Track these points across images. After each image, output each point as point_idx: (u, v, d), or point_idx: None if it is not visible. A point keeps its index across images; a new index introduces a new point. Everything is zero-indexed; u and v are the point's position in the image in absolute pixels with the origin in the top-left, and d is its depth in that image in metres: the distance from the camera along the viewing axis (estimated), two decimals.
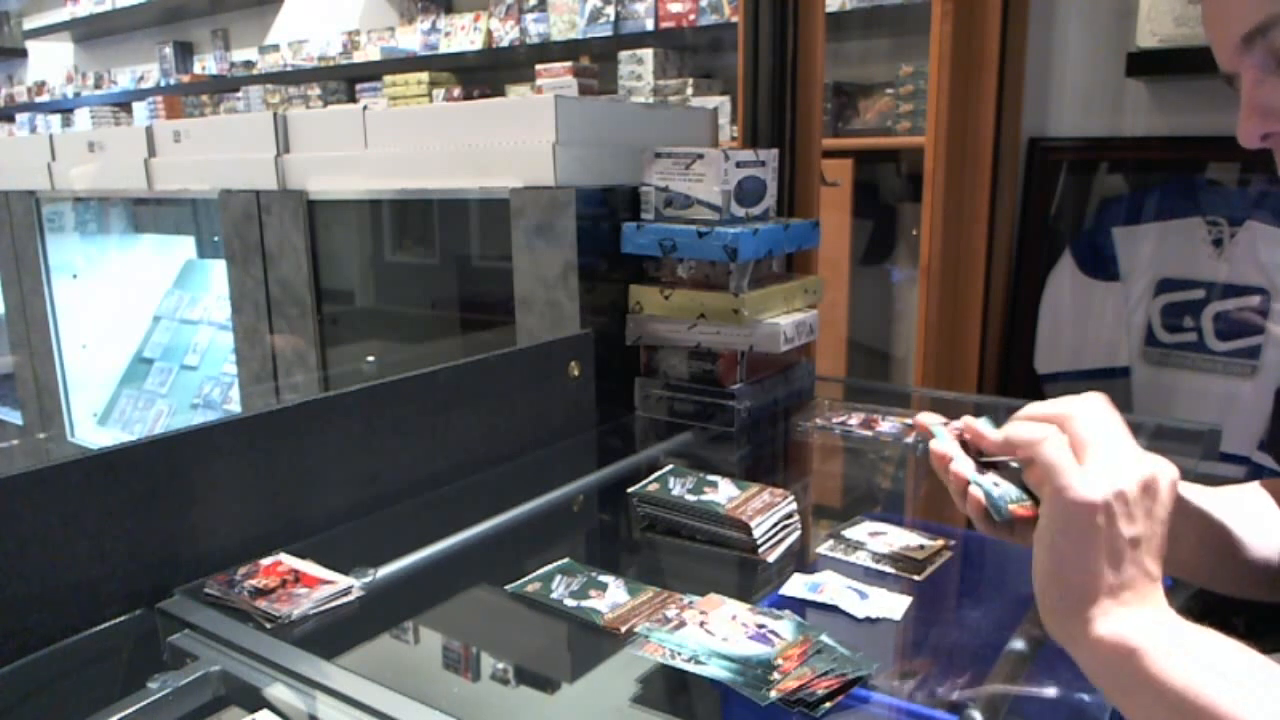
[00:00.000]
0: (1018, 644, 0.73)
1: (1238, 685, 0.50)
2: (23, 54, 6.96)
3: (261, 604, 0.78)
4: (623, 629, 0.77)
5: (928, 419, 0.76)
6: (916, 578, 0.86)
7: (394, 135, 1.55)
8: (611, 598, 0.83)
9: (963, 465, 0.70)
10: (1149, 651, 0.53)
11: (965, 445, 0.73)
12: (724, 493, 0.98)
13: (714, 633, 0.71)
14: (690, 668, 0.67)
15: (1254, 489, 0.83)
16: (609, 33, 3.42)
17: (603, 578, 0.86)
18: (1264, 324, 1.68)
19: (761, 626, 0.72)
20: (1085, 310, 1.90)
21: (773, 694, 0.63)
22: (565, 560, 0.90)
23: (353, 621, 0.80)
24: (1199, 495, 0.78)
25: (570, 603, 0.82)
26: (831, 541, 0.93)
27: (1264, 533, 0.78)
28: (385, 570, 0.87)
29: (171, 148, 1.93)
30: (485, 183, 1.42)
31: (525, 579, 0.86)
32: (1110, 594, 0.56)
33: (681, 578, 0.95)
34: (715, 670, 0.66)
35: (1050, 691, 0.69)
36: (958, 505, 0.70)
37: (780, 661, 0.66)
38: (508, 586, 0.85)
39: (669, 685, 0.70)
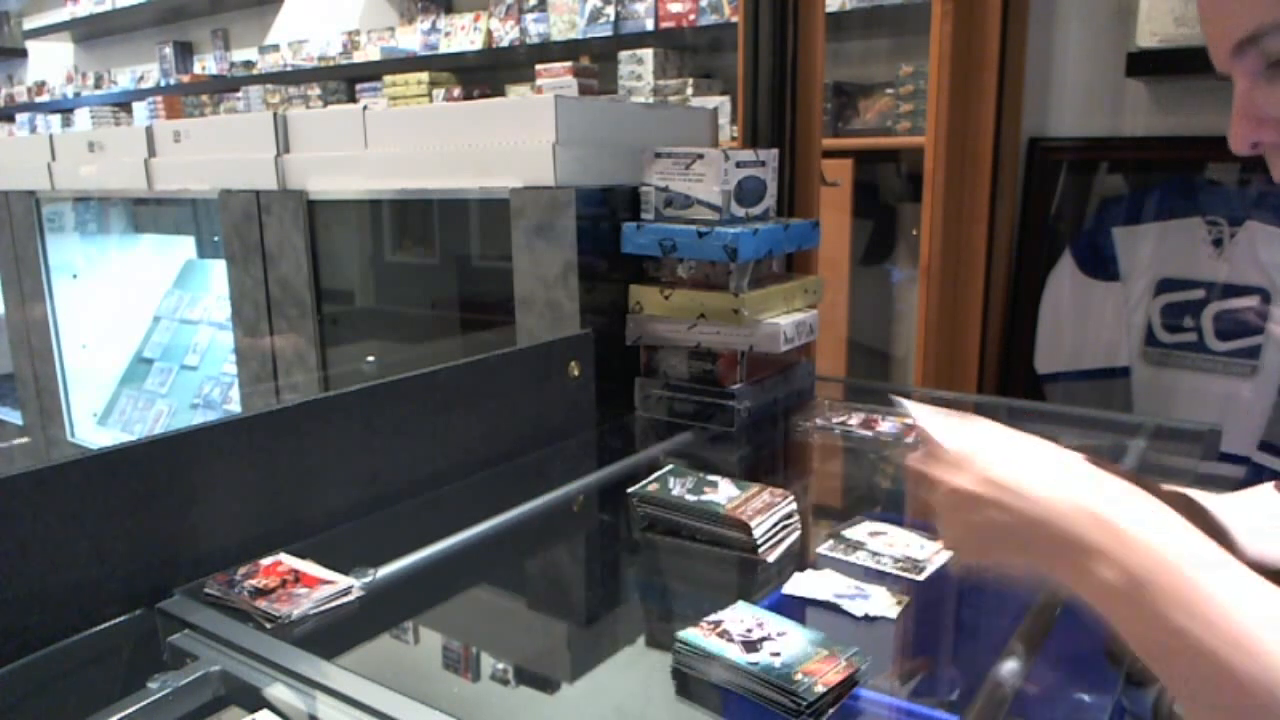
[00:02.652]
0: (1018, 643, 0.73)
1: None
2: (23, 54, 6.95)
3: (261, 604, 0.78)
4: (742, 517, 0.91)
5: None
6: (916, 578, 0.86)
7: (394, 135, 1.55)
8: (725, 492, 0.98)
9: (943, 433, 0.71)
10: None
11: None
12: (724, 493, 0.98)
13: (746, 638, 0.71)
14: (719, 675, 0.67)
15: (1268, 490, 0.81)
16: (609, 33, 3.41)
17: (711, 477, 1.00)
18: (1264, 324, 1.68)
19: (773, 632, 0.72)
20: (1085, 310, 1.89)
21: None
22: (671, 465, 1.06)
23: (353, 621, 0.80)
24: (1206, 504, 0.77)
25: (690, 498, 0.96)
26: (831, 541, 0.93)
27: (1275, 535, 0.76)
28: (385, 570, 0.87)
29: (171, 148, 1.93)
30: (485, 183, 1.42)
31: (644, 482, 1.00)
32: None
33: (681, 578, 0.95)
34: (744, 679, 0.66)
35: (1049, 691, 0.69)
36: None
37: (811, 668, 0.67)
38: (629, 490, 0.99)
39: (669, 685, 0.70)
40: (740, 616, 0.74)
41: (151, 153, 1.96)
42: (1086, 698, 0.67)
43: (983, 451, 0.62)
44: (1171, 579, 0.50)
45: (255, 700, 0.67)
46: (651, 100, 3.24)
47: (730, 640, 0.70)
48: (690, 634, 0.71)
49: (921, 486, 0.65)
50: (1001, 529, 0.58)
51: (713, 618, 0.74)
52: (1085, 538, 0.54)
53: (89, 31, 6.10)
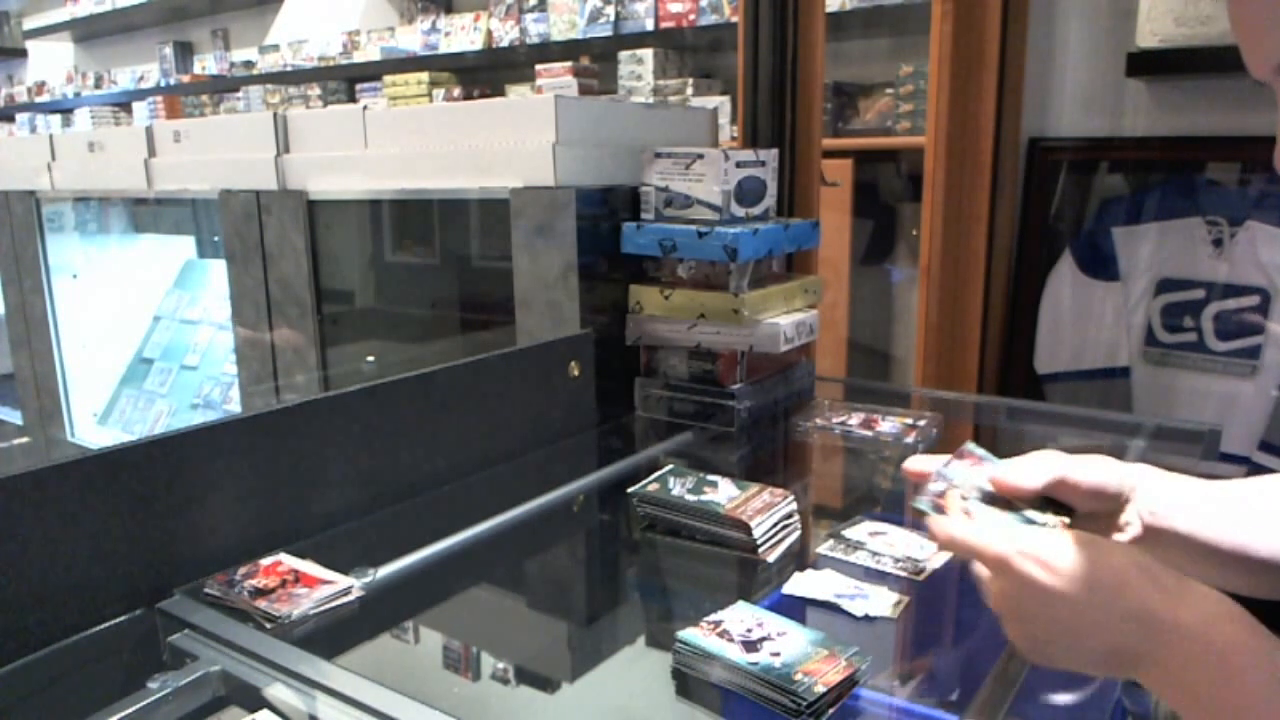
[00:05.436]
0: None
1: None
2: (23, 54, 6.95)
3: (261, 604, 0.78)
4: (742, 517, 0.91)
5: (916, 465, 0.79)
6: (916, 578, 0.86)
7: (394, 135, 1.55)
8: (725, 492, 0.97)
9: (979, 538, 0.71)
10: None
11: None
12: (724, 493, 0.98)
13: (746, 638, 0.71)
14: (719, 675, 0.67)
15: (1274, 481, 0.79)
16: (609, 33, 3.41)
17: (711, 477, 1.00)
18: (1264, 324, 1.68)
19: (773, 631, 0.72)
20: (1085, 310, 1.89)
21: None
22: (671, 465, 1.05)
23: (353, 621, 0.80)
24: (1197, 516, 0.75)
25: (690, 498, 0.95)
26: (831, 541, 0.93)
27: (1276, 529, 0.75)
28: (385, 570, 0.87)
29: (171, 148, 1.93)
30: (485, 183, 1.42)
31: (644, 482, 0.99)
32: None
33: (681, 578, 0.95)
34: (750, 681, 0.66)
35: (1049, 691, 0.69)
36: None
37: (812, 668, 0.66)
38: (629, 490, 0.97)
39: (669, 685, 0.70)
40: (740, 616, 0.74)
41: (151, 153, 1.96)
42: (1086, 698, 0.67)
43: (1050, 556, 0.63)
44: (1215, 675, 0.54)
45: (255, 700, 0.67)
46: (651, 100, 3.24)
47: (730, 640, 0.70)
48: (690, 634, 0.71)
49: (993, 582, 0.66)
50: (1063, 633, 0.61)
51: (713, 618, 0.74)
52: (1134, 649, 0.58)
53: (89, 31, 6.10)
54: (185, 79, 5.44)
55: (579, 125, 1.36)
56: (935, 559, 0.89)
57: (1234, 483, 0.78)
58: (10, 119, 6.81)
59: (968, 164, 1.87)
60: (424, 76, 4.02)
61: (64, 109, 6.37)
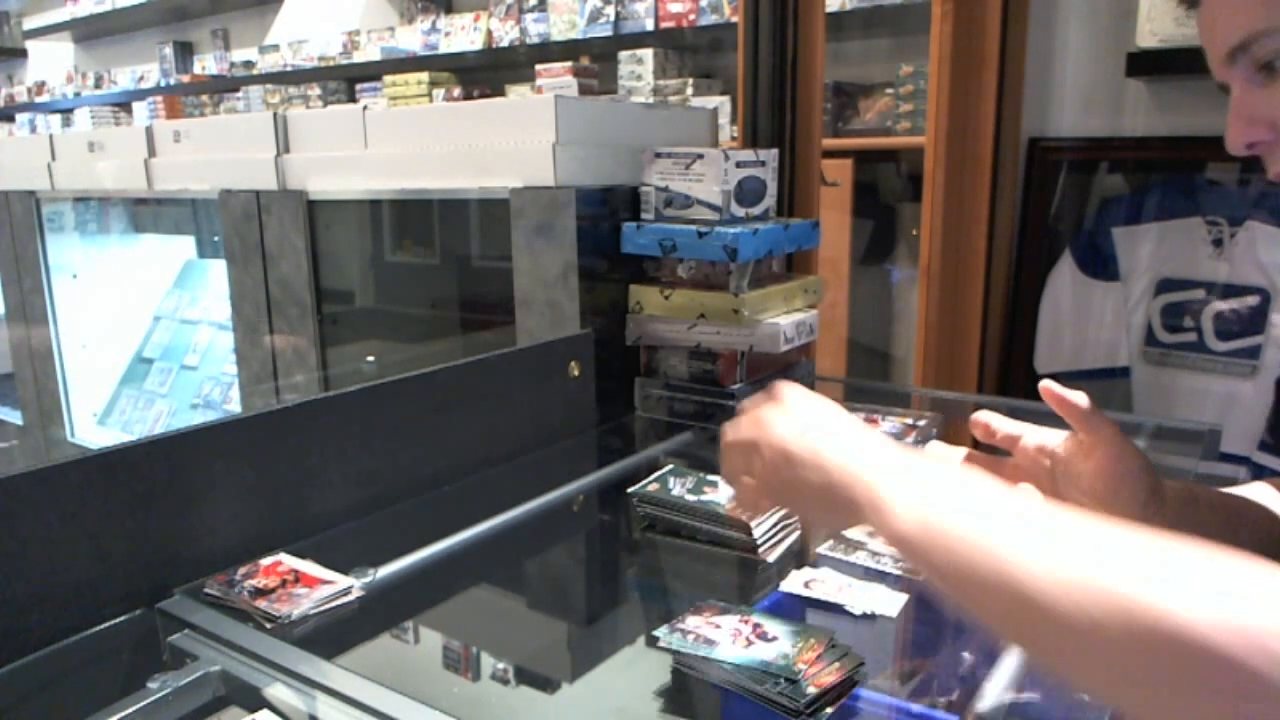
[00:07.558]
0: None
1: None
2: (23, 54, 6.95)
3: (261, 604, 0.78)
4: (742, 517, 0.91)
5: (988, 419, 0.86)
6: (916, 577, 0.86)
7: (394, 135, 1.55)
8: (725, 492, 0.96)
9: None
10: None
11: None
12: (724, 493, 0.98)
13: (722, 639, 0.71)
14: (718, 675, 0.67)
15: (1260, 488, 0.81)
16: (609, 33, 3.41)
17: (711, 477, 1.00)
18: (1264, 324, 1.68)
19: (763, 630, 0.72)
20: (1085, 310, 1.90)
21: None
22: (671, 465, 1.05)
23: (353, 621, 0.80)
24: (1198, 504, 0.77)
25: (690, 498, 0.95)
26: (831, 541, 0.93)
27: (1266, 532, 0.77)
28: (385, 570, 0.87)
29: (171, 148, 1.93)
30: (485, 183, 1.42)
31: (644, 482, 0.99)
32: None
33: (681, 578, 0.95)
34: (740, 678, 0.66)
35: (1051, 691, 0.69)
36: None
37: (801, 666, 0.66)
38: (629, 490, 0.98)
39: (668, 685, 0.70)
40: (721, 608, 0.74)
41: (151, 153, 1.96)
42: (1087, 698, 0.67)
43: (795, 415, 0.68)
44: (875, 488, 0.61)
45: (255, 700, 0.67)
46: (651, 100, 3.24)
47: (715, 641, 0.70)
48: (671, 635, 0.71)
49: (738, 442, 0.70)
50: (805, 487, 0.65)
51: (691, 621, 0.73)
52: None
53: (89, 31, 6.10)
54: (185, 79, 5.44)
55: (579, 125, 1.36)
56: None
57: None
58: (10, 119, 6.81)
59: (968, 164, 1.87)
60: (424, 76, 4.02)
61: (64, 109, 6.37)
